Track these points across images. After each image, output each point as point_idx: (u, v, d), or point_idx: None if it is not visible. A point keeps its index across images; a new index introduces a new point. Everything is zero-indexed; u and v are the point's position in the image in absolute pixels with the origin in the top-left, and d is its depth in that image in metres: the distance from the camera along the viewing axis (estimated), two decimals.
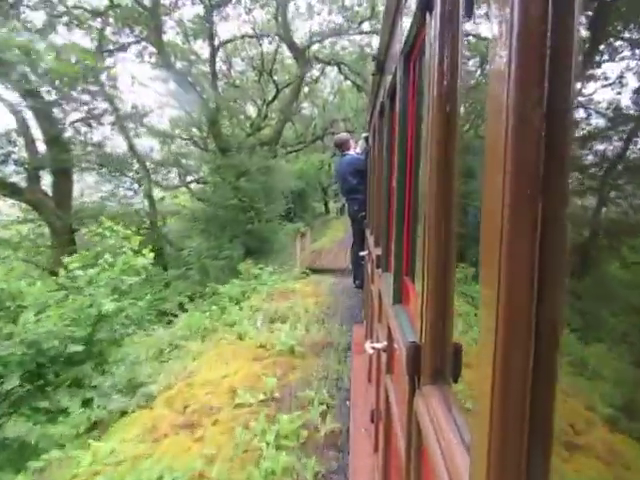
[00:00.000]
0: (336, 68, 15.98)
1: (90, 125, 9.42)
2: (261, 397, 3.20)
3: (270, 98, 16.36)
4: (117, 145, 11.68)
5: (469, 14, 0.68)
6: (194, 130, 13.78)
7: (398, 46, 1.36)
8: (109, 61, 14.85)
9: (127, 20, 12.82)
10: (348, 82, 17.99)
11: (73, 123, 9.18)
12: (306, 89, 18.84)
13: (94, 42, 13.60)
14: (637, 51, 0.40)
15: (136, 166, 10.23)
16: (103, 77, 13.23)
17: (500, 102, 0.43)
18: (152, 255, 4.51)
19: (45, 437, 3.09)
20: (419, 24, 0.99)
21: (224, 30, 16.88)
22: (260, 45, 16.45)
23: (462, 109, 0.78)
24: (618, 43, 0.44)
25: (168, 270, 12.91)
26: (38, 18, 11.21)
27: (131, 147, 10.26)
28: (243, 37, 13.80)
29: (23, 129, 8.39)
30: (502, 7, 0.43)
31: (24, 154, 8.56)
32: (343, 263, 8.36)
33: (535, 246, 0.41)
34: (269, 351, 4.13)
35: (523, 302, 0.42)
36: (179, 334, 5.11)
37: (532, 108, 0.40)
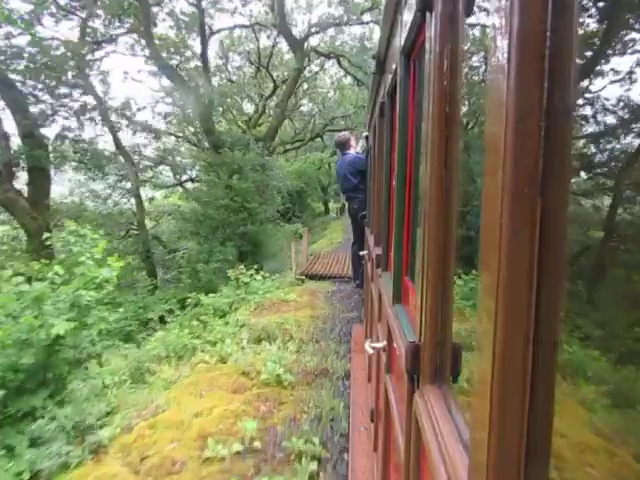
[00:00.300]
0: (336, 64, 15.43)
1: (67, 118, 8.76)
2: (237, 448, 2.56)
3: (268, 94, 15.78)
4: (108, 142, 11.15)
5: (469, 13, 0.69)
6: (187, 127, 13.11)
7: (398, 45, 1.36)
8: (98, 54, 14.33)
9: (116, 10, 12.22)
10: (348, 78, 17.46)
11: (50, 117, 8.51)
12: (305, 86, 18.34)
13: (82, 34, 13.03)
14: (636, 51, 0.41)
15: (119, 163, 9.55)
16: (92, 71, 12.72)
17: (499, 101, 0.44)
18: (119, 264, 3.85)
19: None
20: (419, 23, 0.99)
21: (221, 25, 16.23)
22: (257, 39, 15.86)
23: (462, 108, 0.81)
24: (617, 43, 0.44)
25: (158, 274, 12.30)
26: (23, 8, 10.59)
27: (117, 143, 9.61)
28: (236, 27, 13.10)
29: None
30: (501, 6, 0.43)
31: None
32: (342, 268, 7.71)
33: (534, 245, 0.41)
34: (253, 380, 3.48)
35: (522, 301, 0.42)
36: (154, 353, 4.46)
37: (531, 107, 0.40)
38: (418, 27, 1.02)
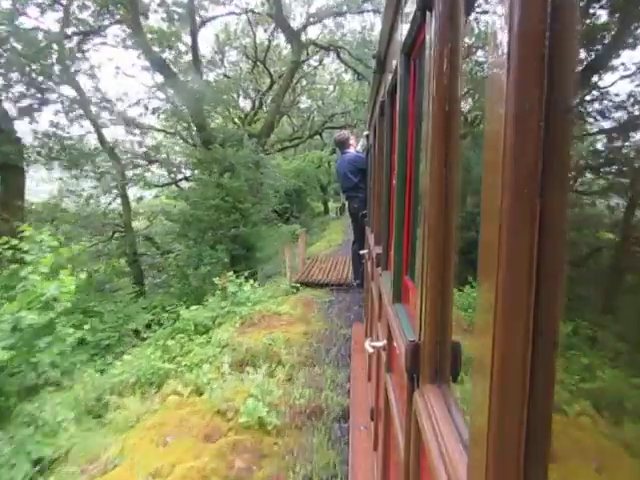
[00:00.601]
0: (335, 59, 14.80)
1: (39, 110, 8.08)
2: None
3: (265, 89, 15.16)
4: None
5: (469, 12, 0.71)
6: (178, 122, 12.44)
7: (398, 44, 1.36)
8: (87, 48, 13.68)
9: (104, 1, 11.59)
10: (348, 74, 16.85)
11: (26, 110, 7.83)
12: (304, 82, 17.75)
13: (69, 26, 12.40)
14: (635, 50, 0.41)
15: (100, 159, 8.87)
16: (77, 63, 12.04)
17: (499, 101, 0.43)
18: (71, 281, 3.20)
19: None
20: (419, 22, 0.98)
21: (216, 23, 15.58)
22: (253, 32, 15.24)
23: (462, 108, 0.79)
24: (616, 43, 0.44)
25: (147, 278, 11.66)
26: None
27: (100, 138, 8.96)
28: (229, 14, 12.45)
29: None
30: (501, 6, 0.43)
31: None
32: (342, 274, 7.05)
33: (534, 245, 0.41)
34: (230, 422, 2.84)
35: (521, 301, 0.42)
36: (121, 379, 3.81)
37: (531, 107, 0.40)
38: (418, 26, 1.02)
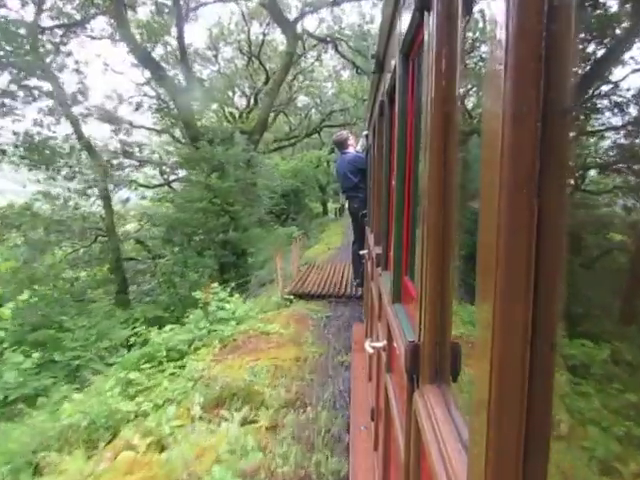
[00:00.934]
0: (333, 53, 14.14)
1: (3, 105, 7.38)
2: None
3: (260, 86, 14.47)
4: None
5: (467, 13, 0.70)
6: (164, 118, 11.73)
7: (397, 44, 1.37)
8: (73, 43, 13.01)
9: None
10: (347, 71, 16.22)
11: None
12: (300, 78, 17.10)
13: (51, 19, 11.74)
14: (634, 50, 0.41)
15: (70, 159, 8.16)
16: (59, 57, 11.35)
17: (497, 101, 0.44)
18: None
19: None
20: (418, 23, 0.98)
21: (204, 11, 14.95)
22: (246, 24, 14.58)
23: (461, 108, 0.79)
24: (614, 43, 0.44)
25: (136, 284, 10.94)
26: None
27: (79, 136, 8.25)
28: (216, 1, 11.75)
29: None
30: (499, 6, 0.44)
31: None
32: (341, 284, 6.33)
33: (531, 244, 0.42)
34: None
35: (520, 302, 0.43)
36: (67, 423, 3.09)
37: (528, 108, 0.41)
38: (417, 26, 1.02)
